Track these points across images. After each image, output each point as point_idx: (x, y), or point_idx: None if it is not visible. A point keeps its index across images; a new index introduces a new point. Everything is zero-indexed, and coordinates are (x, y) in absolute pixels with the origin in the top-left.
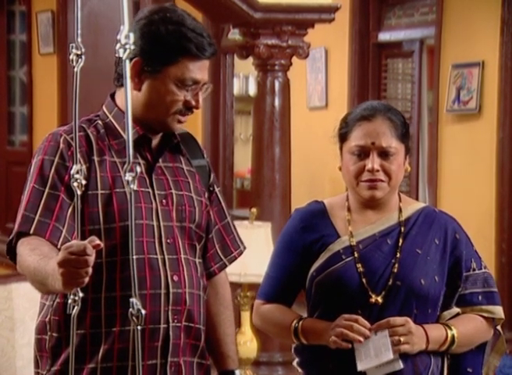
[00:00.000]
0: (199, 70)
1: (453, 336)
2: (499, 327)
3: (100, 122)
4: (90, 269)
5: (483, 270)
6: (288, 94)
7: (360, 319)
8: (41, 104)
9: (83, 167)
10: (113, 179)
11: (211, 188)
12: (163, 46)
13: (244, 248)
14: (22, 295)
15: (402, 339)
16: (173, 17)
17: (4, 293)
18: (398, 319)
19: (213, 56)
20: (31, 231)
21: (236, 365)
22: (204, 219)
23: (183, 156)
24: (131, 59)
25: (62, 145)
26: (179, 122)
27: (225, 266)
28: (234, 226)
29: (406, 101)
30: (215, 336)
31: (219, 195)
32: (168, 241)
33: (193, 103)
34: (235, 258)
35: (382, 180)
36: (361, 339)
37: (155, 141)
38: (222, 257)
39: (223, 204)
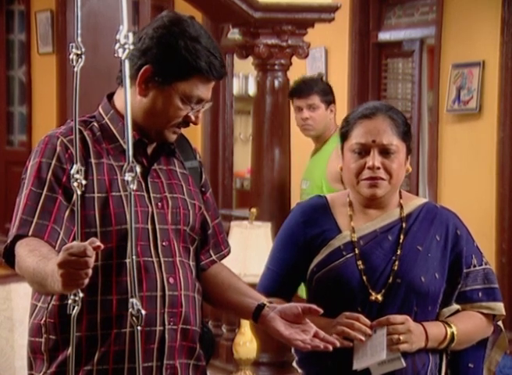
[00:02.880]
0: (206, 90)
1: (452, 333)
2: (500, 323)
3: (95, 124)
4: (90, 271)
5: (483, 266)
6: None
7: (362, 317)
8: (40, 104)
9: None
10: (110, 182)
11: (203, 189)
12: (178, 61)
13: (230, 247)
14: (21, 296)
15: (401, 337)
16: (192, 33)
17: (3, 293)
18: (398, 317)
19: (222, 78)
20: (29, 233)
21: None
22: (197, 222)
23: (177, 159)
24: (142, 65)
25: (58, 148)
26: (175, 133)
27: (215, 262)
28: (223, 225)
29: (406, 101)
30: (236, 289)
31: (211, 195)
32: (164, 243)
33: (193, 119)
34: (224, 257)
35: (382, 179)
36: (362, 338)
37: (151, 146)
38: (212, 254)
39: (215, 204)
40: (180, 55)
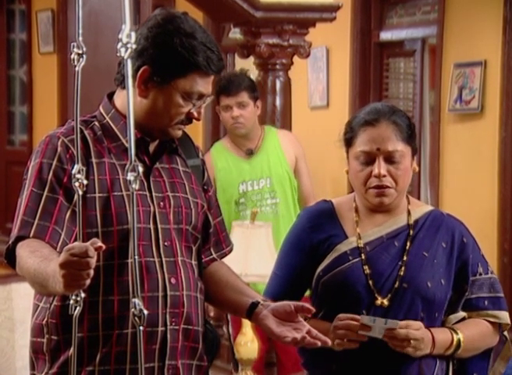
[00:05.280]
0: (206, 84)
1: (458, 340)
2: (505, 333)
3: (96, 123)
4: (91, 271)
5: (489, 275)
6: (289, 93)
7: (356, 317)
8: (41, 103)
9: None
10: (111, 182)
11: (206, 187)
12: (175, 59)
13: (233, 245)
14: (22, 296)
15: (412, 342)
16: (187, 29)
17: (3, 293)
18: (414, 323)
19: (221, 72)
20: (31, 235)
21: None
22: (199, 221)
23: (179, 157)
24: (140, 66)
25: (59, 148)
26: (180, 129)
27: (215, 260)
28: (225, 223)
29: (407, 101)
30: (233, 287)
31: (214, 193)
32: (166, 243)
33: (196, 115)
34: (225, 255)
35: (388, 187)
36: (364, 337)
37: (153, 144)
38: (212, 252)
39: (218, 201)
40: (177, 52)
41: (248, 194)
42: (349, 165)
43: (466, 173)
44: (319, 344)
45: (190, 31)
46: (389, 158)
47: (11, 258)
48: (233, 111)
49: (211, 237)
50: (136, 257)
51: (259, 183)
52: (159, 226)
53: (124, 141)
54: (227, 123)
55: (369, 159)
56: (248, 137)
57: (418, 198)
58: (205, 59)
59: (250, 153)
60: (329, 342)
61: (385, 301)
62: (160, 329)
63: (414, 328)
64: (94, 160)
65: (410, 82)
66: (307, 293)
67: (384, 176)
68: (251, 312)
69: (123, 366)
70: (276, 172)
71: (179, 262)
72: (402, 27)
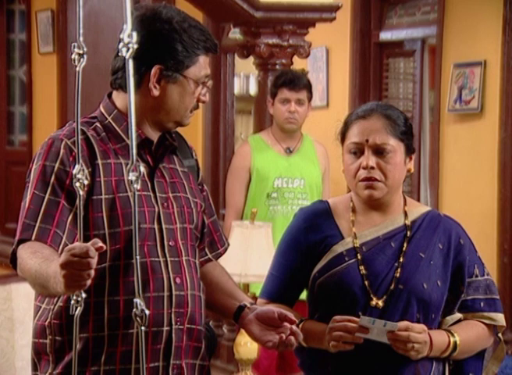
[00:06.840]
0: (208, 65)
1: (455, 343)
2: (499, 334)
3: (98, 124)
4: (92, 272)
5: (485, 277)
6: None
7: (352, 318)
8: (41, 103)
9: (86, 169)
10: (117, 183)
11: (200, 186)
12: (185, 50)
13: (228, 244)
14: (21, 296)
15: (416, 346)
16: (178, 19)
17: (3, 293)
18: (416, 326)
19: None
20: (32, 238)
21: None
22: (200, 220)
23: (177, 157)
24: (151, 67)
25: (62, 151)
26: (190, 117)
27: (210, 261)
28: (218, 223)
29: (407, 101)
30: (223, 290)
31: (208, 193)
32: (171, 243)
33: (203, 98)
34: (220, 255)
35: (377, 180)
36: (360, 339)
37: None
38: (207, 252)
39: (211, 201)
40: (185, 43)
41: (282, 191)
42: (343, 162)
43: (466, 173)
44: (292, 339)
45: (181, 20)
46: (379, 151)
47: (15, 261)
48: (291, 105)
49: (205, 238)
50: (137, 257)
51: (293, 182)
52: (163, 226)
53: (129, 142)
54: (281, 116)
55: (358, 151)
56: (292, 136)
57: (418, 198)
58: (206, 42)
59: (289, 151)
60: (301, 336)
61: (380, 303)
62: (165, 328)
63: (417, 331)
64: (99, 161)
65: (409, 82)
66: (304, 296)
67: (372, 168)
68: (238, 315)
69: (128, 366)
70: (310, 175)
71: (184, 261)
72: (402, 27)
